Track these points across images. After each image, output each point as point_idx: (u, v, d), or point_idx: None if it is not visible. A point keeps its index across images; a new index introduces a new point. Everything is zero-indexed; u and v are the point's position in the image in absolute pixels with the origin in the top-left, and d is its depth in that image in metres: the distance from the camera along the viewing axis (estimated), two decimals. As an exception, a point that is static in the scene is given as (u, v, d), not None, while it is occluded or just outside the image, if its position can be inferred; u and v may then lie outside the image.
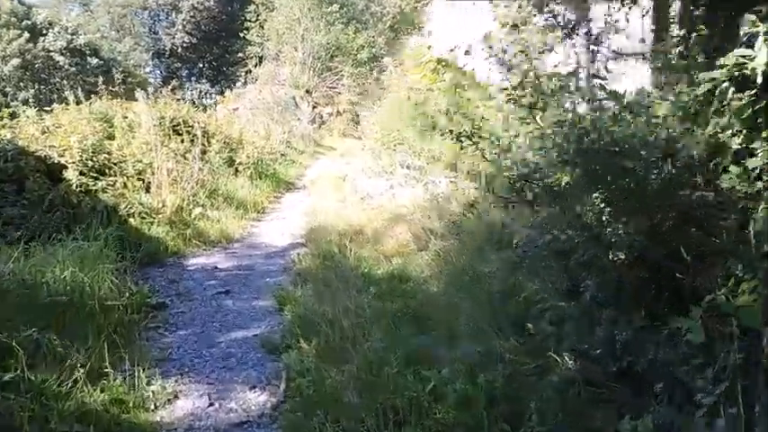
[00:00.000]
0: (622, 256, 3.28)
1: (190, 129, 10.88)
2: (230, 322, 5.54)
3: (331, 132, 27.79)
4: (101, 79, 13.47)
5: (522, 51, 9.62)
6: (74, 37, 25.73)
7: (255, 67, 26.98)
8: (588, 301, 3.50)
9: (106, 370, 4.10)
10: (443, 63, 9.83)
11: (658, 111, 3.76)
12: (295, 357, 4.57)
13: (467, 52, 5.38)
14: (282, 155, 16.48)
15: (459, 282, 5.68)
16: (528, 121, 3.63)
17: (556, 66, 4.18)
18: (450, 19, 17.26)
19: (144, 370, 4.22)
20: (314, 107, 28.02)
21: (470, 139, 3.82)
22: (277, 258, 7.91)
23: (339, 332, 4.79)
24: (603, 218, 3.33)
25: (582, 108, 3.78)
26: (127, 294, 5.38)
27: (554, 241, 3.50)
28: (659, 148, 3.05)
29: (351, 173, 13.36)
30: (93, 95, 11.44)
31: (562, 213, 3.50)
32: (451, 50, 10.43)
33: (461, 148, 3.90)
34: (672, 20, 6.84)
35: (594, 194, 3.36)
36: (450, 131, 3.90)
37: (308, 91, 28.44)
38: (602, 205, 3.39)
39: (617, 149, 3.11)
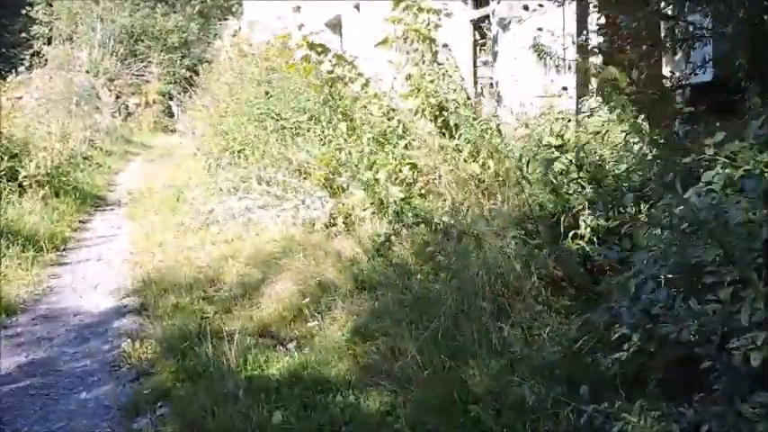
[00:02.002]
0: None
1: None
2: None
3: (140, 126, 25.44)
4: None
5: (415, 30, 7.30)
6: None
7: (43, 47, 22.80)
8: None
9: None
10: (319, 49, 7.38)
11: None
12: None
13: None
14: (86, 158, 13.15)
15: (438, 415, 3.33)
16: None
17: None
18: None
19: None
20: (117, 97, 25.07)
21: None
22: (94, 340, 5.00)
23: None
24: None
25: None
26: None
27: None
28: None
29: (182, 182, 10.56)
30: None
31: None
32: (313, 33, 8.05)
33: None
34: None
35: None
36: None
37: (110, 79, 25.43)
38: None
39: None
